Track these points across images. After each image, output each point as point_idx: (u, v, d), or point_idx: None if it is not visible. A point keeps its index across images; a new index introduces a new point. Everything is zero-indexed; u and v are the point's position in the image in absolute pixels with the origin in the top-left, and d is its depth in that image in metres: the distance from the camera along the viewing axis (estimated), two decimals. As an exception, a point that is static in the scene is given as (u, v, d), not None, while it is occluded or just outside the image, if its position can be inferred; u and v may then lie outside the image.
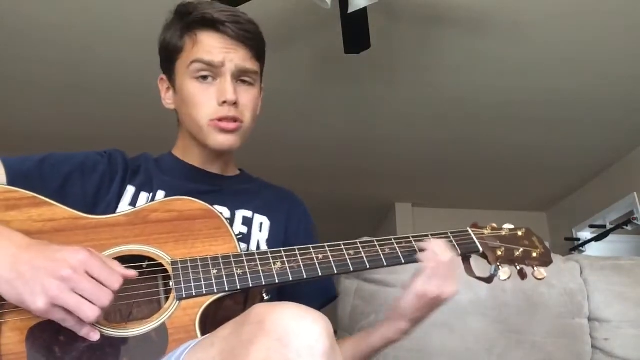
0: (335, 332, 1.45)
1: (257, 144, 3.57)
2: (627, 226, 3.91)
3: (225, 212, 0.98)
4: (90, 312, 0.65)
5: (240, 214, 1.00)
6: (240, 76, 0.97)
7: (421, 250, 0.89)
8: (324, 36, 2.65)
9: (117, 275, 0.69)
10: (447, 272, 0.87)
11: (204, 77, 0.95)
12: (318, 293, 1.05)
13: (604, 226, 4.18)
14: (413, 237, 0.92)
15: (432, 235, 0.92)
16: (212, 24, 0.96)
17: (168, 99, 1.04)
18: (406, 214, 4.93)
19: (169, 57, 1.00)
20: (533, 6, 2.51)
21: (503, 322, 1.44)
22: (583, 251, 4.37)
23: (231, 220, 0.98)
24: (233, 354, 0.56)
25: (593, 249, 4.28)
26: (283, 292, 1.00)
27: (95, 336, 0.68)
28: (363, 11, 2.18)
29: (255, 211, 1.02)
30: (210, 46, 0.95)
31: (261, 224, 1.02)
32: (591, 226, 4.31)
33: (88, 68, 2.97)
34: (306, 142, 3.84)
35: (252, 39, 0.98)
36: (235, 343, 0.57)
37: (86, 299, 0.66)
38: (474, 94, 3.26)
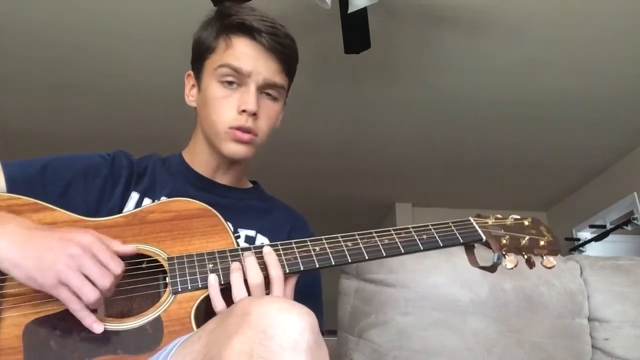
0: (335, 332, 1.45)
1: (257, 144, 3.56)
2: (627, 226, 3.91)
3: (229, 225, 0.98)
4: (92, 294, 0.68)
5: (244, 232, 0.99)
6: (265, 89, 0.97)
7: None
8: (324, 36, 2.65)
9: (118, 260, 0.72)
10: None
11: (230, 83, 0.95)
12: None
13: (604, 226, 4.17)
14: (413, 228, 0.90)
15: (432, 225, 0.91)
16: (249, 31, 0.95)
17: (191, 96, 1.03)
18: (406, 214, 4.93)
19: (200, 55, 1.00)
20: (533, 6, 2.51)
21: (503, 322, 1.44)
22: (583, 251, 4.37)
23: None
24: (217, 345, 0.56)
25: (593, 249, 4.27)
26: None
27: (99, 328, 0.69)
28: (363, 11, 2.18)
29: (258, 231, 1.01)
30: (243, 53, 0.95)
31: (262, 244, 1.00)
32: (591, 226, 4.31)
33: (86, 67, 2.96)
34: (306, 142, 3.84)
35: (285, 54, 0.98)
36: (220, 334, 0.57)
37: (90, 280, 0.68)
38: (474, 94, 3.26)
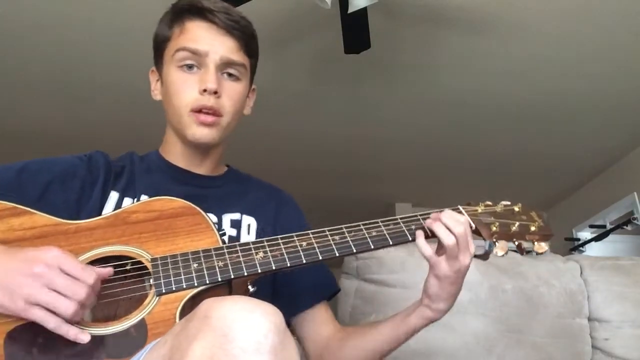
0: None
1: (256, 143, 3.57)
2: (627, 226, 3.91)
3: (212, 217, 0.96)
4: (67, 307, 0.65)
5: (228, 217, 0.98)
6: (225, 68, 0.95)
7: (431, 231, 0.85)
8: (324, 36, 2.65)
9: (90, 270, 0.69)
10: (464, 242, 0.83)
11: (189, 67, 0.94)
12: (319, 289, 1.03)
13: (604, 226, 4.17)
14: (401, 219, 0.89)
15: (420, 215, 0.89)
16: (201, 12, 0.94)
17: (156, 90, 1.02)
18: (406, 214, 4.92)
19: (158, 48, 0.99)
20: (533, 7, 2.51)
21: (503, 322, 1.44)
22: (583, 251, 4.37)
23: (219, 225, 0.97)
24: (180, 350, 0.54)
25: (593, 249, 4.27)
26: (280, 290, 0.98)
27: (84, 338, 0.67)
28: (363, 11, 2.18)
29: (243, 212, 1.00)
30: (197, 35, 0.94)
31: (249, 225, 1.00)
32: (591, 226, 4.31)
33: (86, 68, 2.96)
34: (306, 142, 3.84)
35: (241, 31, 0.96)
36: (182, 339, 0.55)
37: (62, 295, 0.66)
38: (473, 94, 3.26)
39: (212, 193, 1.00)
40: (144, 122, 3.45)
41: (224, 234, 0.96)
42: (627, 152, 3.94)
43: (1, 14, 2.54)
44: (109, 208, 0.92)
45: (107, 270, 0.73)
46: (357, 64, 2.85)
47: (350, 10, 2.10)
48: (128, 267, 0.79)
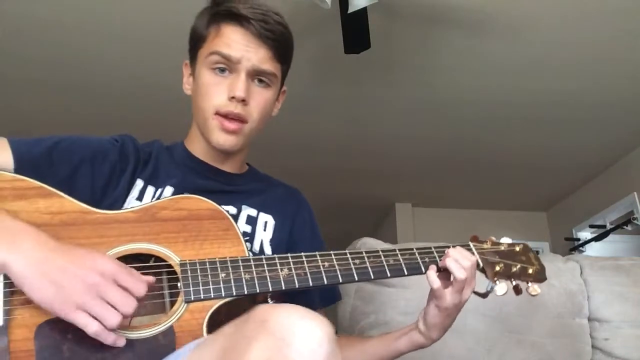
0: (335, 332, 1.45)
1: (256, 143, 3.56)
2: (627, 226, 3.91)
3: (231, 209, 0.98)
4: (114, 319, 0.66)
5: (246, 212, 1.00)
6: (256, 75, 0.97)
7: (443, 268, 0.91)
8: (324, 36, 2.65)
9: (143, 282, 0.70)
10: (471, 278, 0.90)
11: (222, 70, 0.95)
12: (324, 296, 1.07)
13: (604, 226, 4.17)
14: (417, 249, 0.93)
15: (435, 248, 0.94)
16: (237, 19, 0.95)
17: (188, 85, 1.04)
18: (406, 214, 4.93)
19: (194, 44, 1.01)
20: (533, 6, 2.51)
21: (503, 322, 1.44)
22: (583, 251, 4.37)
23: (236, 217, 0.98)
24: (235, 350, 0.56)
25: (593, 249, 4.28)
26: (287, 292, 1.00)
27: (121, 342, 0.68)
28: (363, 11, 2.18)
29: (260, 209, 1.02)
30: (231, 40, 0.94)
31: (265, 222, 1.01)
32: (591, 226, 4.31)
33: (88, 67, 2.96)
34: (306, 142, 3.84)
35: (275, 40, 0.96)
36: (238, 339, 0.57)
37: (111, 306, 0.67)
38: (474, 94, 3.26)
39: (236, 190, 1.03)
40: (146, 122, 3.46)
41: (248, 240, 0.96)
42: (627, 152, 3.94)
43: (1, 13, 2.54)
44: (132, 196, 0.93)
45: (151, 279, 0.73)
46: (357, 64, 2.85)
47: (350, 10, 2.10)
48: (151, 265, 0.79)
